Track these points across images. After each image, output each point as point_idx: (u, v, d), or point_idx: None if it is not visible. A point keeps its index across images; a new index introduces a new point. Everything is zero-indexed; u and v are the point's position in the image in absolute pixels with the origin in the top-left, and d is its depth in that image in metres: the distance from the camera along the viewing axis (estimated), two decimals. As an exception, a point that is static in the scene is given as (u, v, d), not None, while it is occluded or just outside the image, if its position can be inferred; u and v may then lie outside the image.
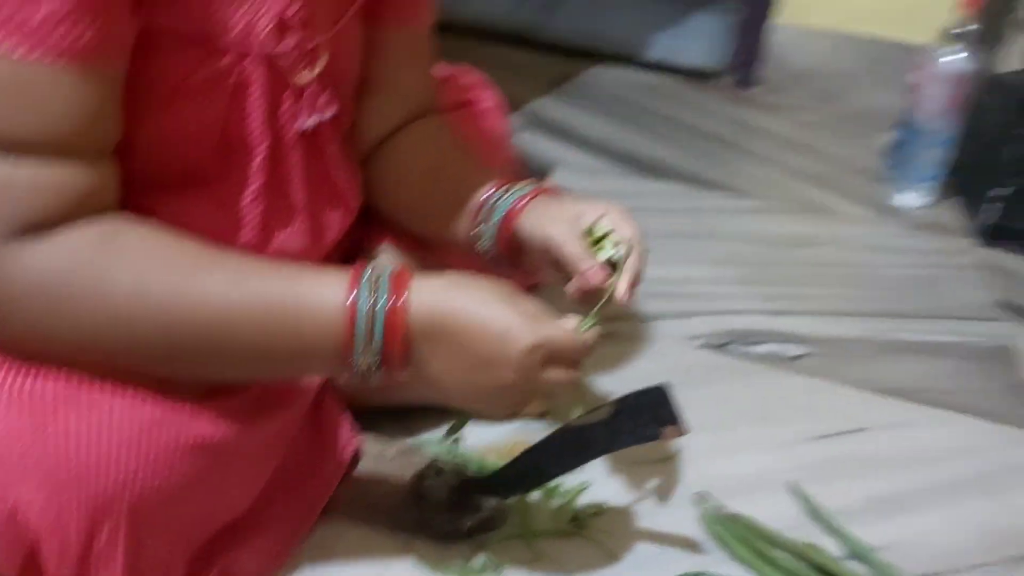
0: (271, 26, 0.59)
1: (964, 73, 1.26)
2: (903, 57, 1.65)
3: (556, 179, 1.30)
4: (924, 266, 1.23)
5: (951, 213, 1.35)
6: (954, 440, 0.91)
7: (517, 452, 0.77)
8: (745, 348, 1.02)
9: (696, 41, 1.78)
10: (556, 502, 0.77)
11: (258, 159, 0.62)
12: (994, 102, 1.30)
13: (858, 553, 0.76)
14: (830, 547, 0.76)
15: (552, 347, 0.56)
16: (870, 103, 1.71)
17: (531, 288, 0.86)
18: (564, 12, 1.81)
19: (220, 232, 0.60)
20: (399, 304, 0.54)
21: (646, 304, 1.04)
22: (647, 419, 0.65)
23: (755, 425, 0.90)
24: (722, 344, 1.02)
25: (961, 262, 1.24)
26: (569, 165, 1.37)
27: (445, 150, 0.79)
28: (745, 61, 1.74)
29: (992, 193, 1.26)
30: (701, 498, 0.79)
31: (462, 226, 0.73)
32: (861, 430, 0.90)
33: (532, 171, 1.11)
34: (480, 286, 0.57)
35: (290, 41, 0.61)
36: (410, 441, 0.81)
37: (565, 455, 0.68)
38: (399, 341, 0.54)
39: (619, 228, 0.66)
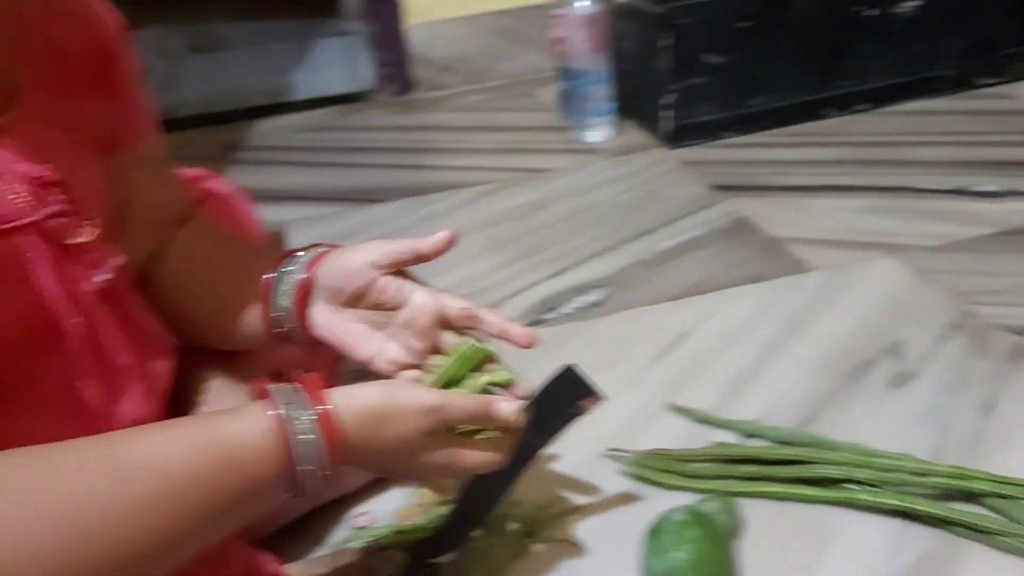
0: (25, 193, 0.50)
1: (598, 12, 1.41)
2: (535, 18, 1.79)
3: (294, 239, 1.24)
4: (640, 185, 1.37)
5: (636, 133, 1.52)
6: (752, 306, 1.03)
7: (423, 510, 0.75)
8: (554, 314, 1.06)
9: (337, 68, 1.79)
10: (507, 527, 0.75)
11: (73, 336, 0.53)
12: (631, 27, 1.47)
13: (751, 431, 0.84)
14: (728, 438, 0.83)
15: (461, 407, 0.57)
16: (521, 67, 1.85)
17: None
18: (186, 85, 1.73)
19: (61, 428, 0.50)
20: (326, 405, 0.51)
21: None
22: (565, 402, 0.66)
23: (604, 370, 0.94)
24: (536, 319, 1.05)
25: (666, 169, 1.40)
26: (292, 222, 1.32)
27: (214, 248, 0.73)
28: (394, 71, 1.78)
29: (661, 103, 1.42)
30: (612, 453, 0.82)
31: (255, 317, 0.68)
32: (688, 333, 0.99)
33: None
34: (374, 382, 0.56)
35: (53, 205, 0.52)
36: (330, 551, 0.74)
37: (502, 473, 0.67)
38: (337, 439, 0.51)
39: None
